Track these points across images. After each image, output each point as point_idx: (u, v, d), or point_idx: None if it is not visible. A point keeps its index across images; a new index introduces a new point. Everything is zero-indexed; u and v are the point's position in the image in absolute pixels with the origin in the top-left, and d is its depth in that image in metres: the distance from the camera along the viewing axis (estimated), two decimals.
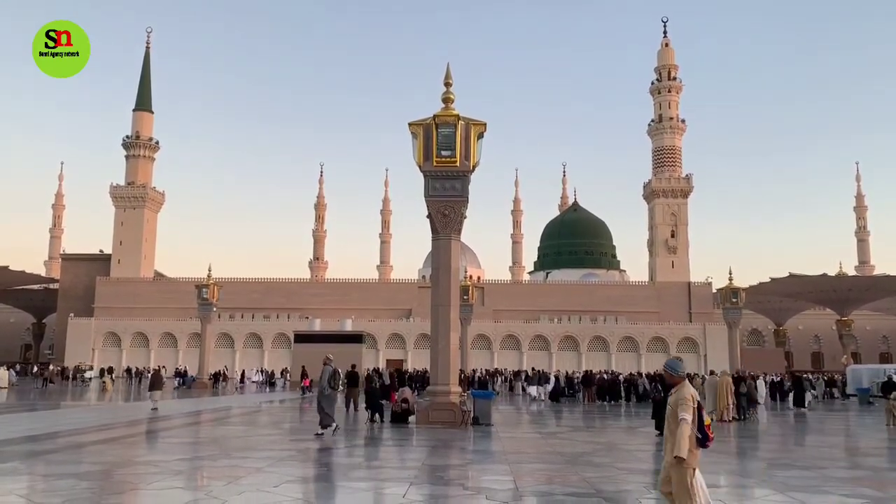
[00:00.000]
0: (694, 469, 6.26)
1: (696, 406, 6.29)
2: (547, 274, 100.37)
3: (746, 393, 26.07)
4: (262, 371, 63.66)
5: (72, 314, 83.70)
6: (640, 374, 40.23)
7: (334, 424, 17.64)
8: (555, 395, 38.17)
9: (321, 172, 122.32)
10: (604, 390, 36.07)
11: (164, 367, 45.55)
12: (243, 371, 67.31)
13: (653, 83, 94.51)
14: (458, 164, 20.48)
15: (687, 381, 6.62)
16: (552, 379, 40.47)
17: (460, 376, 47.37)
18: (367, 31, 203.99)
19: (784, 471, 12.48)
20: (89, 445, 15.87)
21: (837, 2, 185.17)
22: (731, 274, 47.53)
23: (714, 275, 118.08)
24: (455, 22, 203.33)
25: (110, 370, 61.65)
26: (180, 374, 56.54)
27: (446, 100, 21.38)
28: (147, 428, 20.38)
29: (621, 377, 40.16)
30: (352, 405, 26.20)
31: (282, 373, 60.30)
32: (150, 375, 33.38)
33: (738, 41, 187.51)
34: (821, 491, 10.33)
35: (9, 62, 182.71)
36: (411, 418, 20.86)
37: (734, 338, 47.08)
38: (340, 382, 21.21)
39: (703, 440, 6.30)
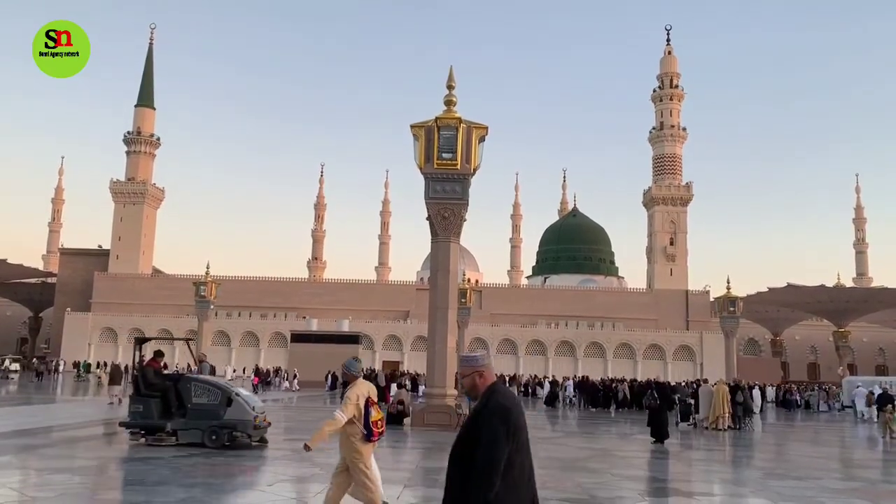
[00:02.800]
0: (370, 459, 6.68)
1: (364, 403, 6.61)
2: (545, 279, 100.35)
3: (743, 402, 26.04)
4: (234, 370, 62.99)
5: (69, 309, 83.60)
6: (622, 381, 39.97)
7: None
8: (550, 401, 38.19)
9: (321, 172, 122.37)
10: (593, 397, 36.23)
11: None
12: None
13: (655, 90, 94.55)
14: (458, 166, 20.47)
15: (361, 379, 6.96)
16: (546, 384, 40.53)
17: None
18: (370, 32, 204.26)
19: (779, 480, 12.48)
20: (85, 440, 15.85)
21: (840, 13, 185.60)
22: (728, 283, 47.56)
23: (712, 283, 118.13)
24: (459, 25, 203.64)
25: (87, 366, 61.86)
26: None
27: (448, 102, 21.38)
28: None
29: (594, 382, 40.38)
30: None
31: (276, 372, 60.22)
32: (109, 370, 33.17)
33: (740, 51, 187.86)
34: (815, 501, 10.33)
35: (9, 60, 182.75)
36: (406, 420, 20.85)
37: (731, 347, 47.08)
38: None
39: (368, 435, 6.61)
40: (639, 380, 45.14)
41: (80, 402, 30.80)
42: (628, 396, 35.67)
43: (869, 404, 38.31)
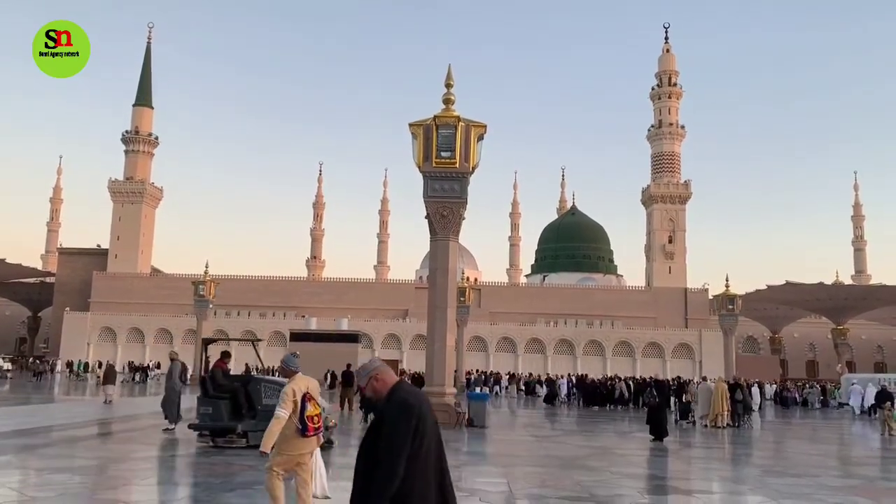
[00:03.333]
0: (309, 455, 6.89)
1: (302, 398, 6.72)
2: (544, 277, 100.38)
3: (742, 400, 26.09)
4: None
5: (67, 308, 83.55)
6: (618, 379, 39.94)
7: (174, 425, 17.03)
8: (549, 399, 38.25)
9: (320, 171, 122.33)
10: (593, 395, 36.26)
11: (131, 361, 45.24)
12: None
13: (653, 88, 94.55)
14: (457, 165, 20.47)
15: (300, 374, 7.07)
16: (563, 384, 40.73)
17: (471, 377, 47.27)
18: (368, 30, 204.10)
19: (777, 478, 12.50)
20: (86, 440, 15.85)
21: (838, 10, 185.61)
22: (727, 281, 47.49)
23: (711, 281, 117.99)
24: (457, 24, 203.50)
25: (86, 366, 62.04)
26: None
27: (447, 101, 21.38)
28: (140, 424, 20.33)
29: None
30: (346, 405, 26.19)
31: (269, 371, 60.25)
32: (103, 369, 33.26)
33: (738, 49, 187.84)
34: (814, 499, 10.34)
35: (8, 60, 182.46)
36: None
37: (730, 344, 47.03)
38: (188, 378, 20.72)
39: (303, 430, 6.72)
40: (638, 378, 45.12)
41: (79, 401, 30.80)
42: (625, 394, 35.67)
43: (862, 401, 38.57)
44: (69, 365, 65.34)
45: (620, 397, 35.49)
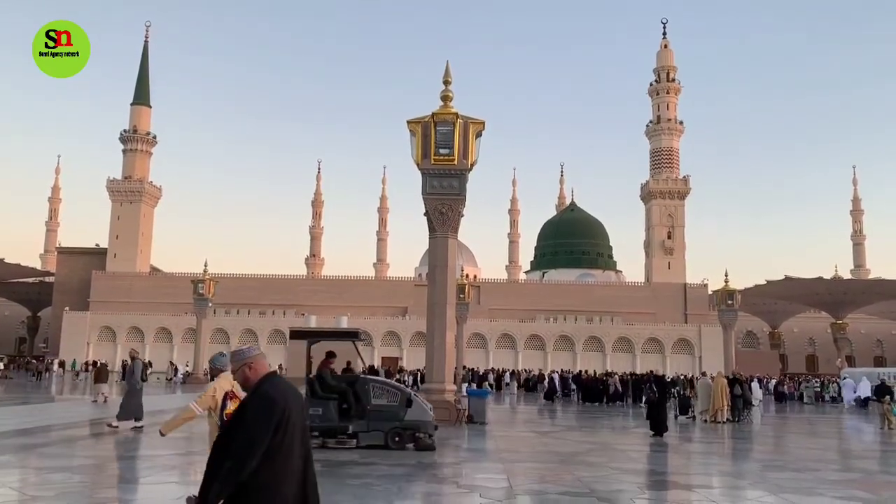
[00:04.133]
0: None
1: (223, 397, 7.00)
2: (543, 273, 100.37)
3: (741, 395, 26.12)
4: None
5: (67, 308, 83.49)
6: (612, 374, 39.99)
7: (140, 423, 16.97)
8: (549, 395, 38.30)
9: (319, 169, 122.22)
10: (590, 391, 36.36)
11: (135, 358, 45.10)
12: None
13: (651, 84, 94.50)
14: (456, 162, 20.47)
15: (226, 373, 7.17)
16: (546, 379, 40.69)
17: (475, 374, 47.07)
18: (366, 28, 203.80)
19: (777, 472, 12.51)
20: (83, 439, 15.86)
21: (837, 5, 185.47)
22: (726, 276, 47.55)
23: (710, 276, 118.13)
24: (454, 20, 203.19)
25: (86, 365, 62.14)
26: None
27: (445, 98, 21.36)
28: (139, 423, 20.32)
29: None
30: None
31: (278, 369, 60.34)
32: (94, 369, 33.35)
33: (736, 44, 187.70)
34: (814, 493, 10.36)
35: (8, 59, 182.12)
36: None
37: (729, 340, 47.10)
38: (147, 375, 20.55)
39: (223, 426, 6.62)
40: (628, 373, 45.16)
41: (79, 400, 30.80)
42: (619, 389, 35.84)
43: (857, 399, 38.78)
44: (62, 365, 65.50)
45: (615, 393, 35.60)
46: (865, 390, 38.59)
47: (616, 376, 38.75)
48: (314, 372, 14.57)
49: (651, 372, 43.21)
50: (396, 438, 13.38)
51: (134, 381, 17.48)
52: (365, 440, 13.39)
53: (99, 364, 30.77)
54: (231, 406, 6.97)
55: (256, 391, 3.87)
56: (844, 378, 40.89)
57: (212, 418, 7.03)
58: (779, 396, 44.18)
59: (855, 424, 27.65)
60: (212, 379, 7.49)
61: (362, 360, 17.43)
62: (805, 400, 43.83)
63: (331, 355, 14.86)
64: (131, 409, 16.94)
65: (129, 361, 18.46)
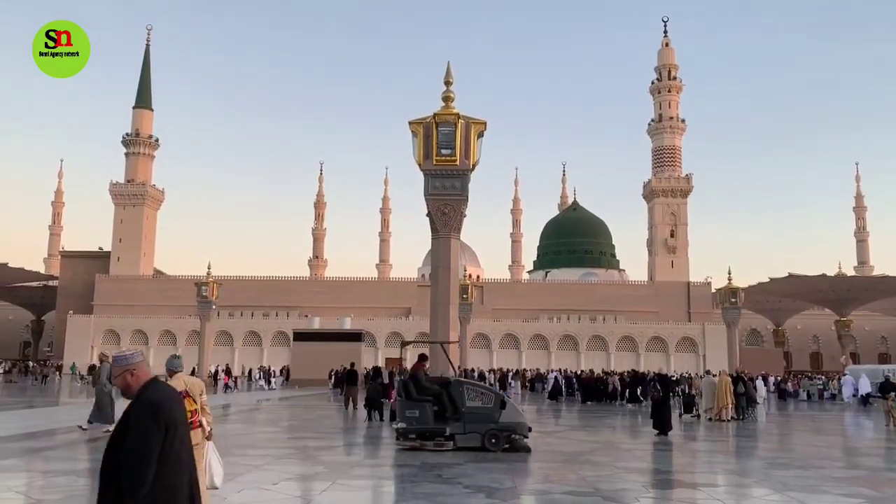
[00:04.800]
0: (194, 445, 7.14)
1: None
2: (546, 273, 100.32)
3: (745, 392, 26.08)
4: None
5: (71, 311, 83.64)
6: (611, 374, 39.88)
7: (111, 426, 16.69)
8: (553, 395, 38.26)
9: (321, 171, 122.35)
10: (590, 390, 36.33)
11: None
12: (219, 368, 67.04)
13: (653, 83, 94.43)
14: (457, 162, 20.45)
15: (181, 374, 7.81)
16: (549, 379, 40.65)
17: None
18: (367, 29, 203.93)
19: (782, 470, 12.50)
20: (88, 442, 15.89)
21: (838, 1, 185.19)
22: (730, 274, 47.45)
23: (713, 275, 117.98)
24: (456, 20, 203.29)
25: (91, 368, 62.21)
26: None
27: (446, 98, 21.35)
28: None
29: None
30: (350, 404, 26.24)
31: (281, 371, 60.41)
32: (95, 371, 33.25)
33: (738, 41, 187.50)
34: (819, 490, 10.35)
35: (9, 61, 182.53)
36: None
37: (733, 338, 47.01)
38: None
39: None
40: (627, 372, 45.08)
41: (84, 403, 30.85)
42: (618, 388, 35.85)
43: (855, 393, 38.76)
44: (58, 368, 65.80)
45: (613, 392, 35.63)
46: (865, 387, 38.58)
47: (615, 376, 38.71)
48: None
49: (649, 371, 43.20)
50: (493, 440, 13.47)
51: (101, 384, 17.44)
52: (461, 442, 13.48)
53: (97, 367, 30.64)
54: (186, 405, 7.09)
55: (140, 397, 3.80)
56: (844, 375, 40.84)
57: None
58: (782, 394, 44.14)
59: (859, 421, 27.59)
60: (167, 380, 7.70)
61: (452, 364, 17.59)
62: (801, 397, 43.80)
63: (423, 358, 15.06)
64: (109, 413, 16.86)
65: (98, 364, 18.37)
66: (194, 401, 7.58)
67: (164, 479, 3.60)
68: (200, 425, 7.55)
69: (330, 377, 45.46)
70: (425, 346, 15.88)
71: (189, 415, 7.14)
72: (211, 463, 7.53)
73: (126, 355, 4.03)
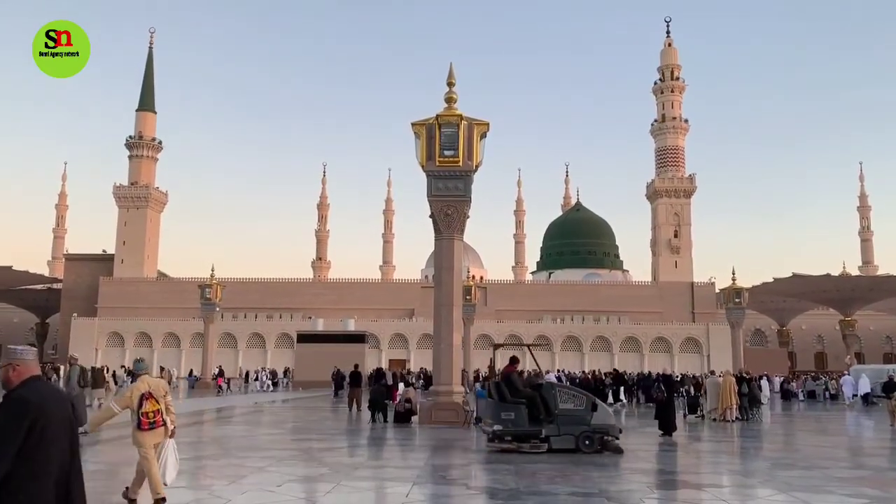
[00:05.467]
0: (152, 447, 8.06)
1: (140, 398, 8.01)
2: (550, 274, 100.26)
3: (749, 393, 26.03)
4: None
5: (75, 314, 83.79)
6: (607, 374, 39.60)
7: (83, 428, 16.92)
8: None
9: (324, 172, 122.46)
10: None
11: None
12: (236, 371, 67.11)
13: (656, 83, 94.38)
14: (460, 163, 20.48)
15: (145, 376, 8.31)
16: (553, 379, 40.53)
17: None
18: (369, 31, 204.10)
19: (787, 471, 12.48)
20: (93, 445, 15.91)
21: (842, 1, 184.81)
22: (734, 274, 47.45)
23: (717, 275, 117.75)
24: (458, 21, 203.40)
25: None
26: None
27: (449, 99, 21.38)
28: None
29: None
30: (354, 405, 26.25)
31: (284, 372, 60.45)
32: (90, 374, 33.20)
33: (741, 41, 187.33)
34: (823, 490, 10.33)
35: (10, 62, 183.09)
36: (414, 418, 20.88)
37: (737, 338, 47.00)
38: (87, 380, 20.31)
39: (138, 424, 8.03)
40: (645, 373, 44.88)
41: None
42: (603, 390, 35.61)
43: (855, 393, 38.65)
44: (56, 370, 65.74)
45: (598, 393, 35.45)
46: (864, 387, 38.52)
47: (609, 376, 38.44)
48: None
49: (650, 373, 43.03)
50: (587, 442, 13.65)
51: (69, 387, 17.39)
52: (556, 444, 13.63)
53: (93, 369, 30.71)
54: (147, 406, 8.02)
55: (10, 394, 3.82)
56: (844, 374, 40.74)
57: (133, 416, 8.06)
58: (785, 394, 44.01)
59: (863, 421, 27.51)
60: (133, 381, 8.35)
61: (539, 366, 17.75)
62: (801, 397, 43.68)
63: (514, 360, 15.21)
64: (79, 414, 16.82)
65: (68, 367, 18.30)
66: (157, 401, 8.15)
67: (27, 475, 3.61)
68: (164, 424, 8.15)
69: (333, 378, 45.26)
70: (515, 349, 16.13)
71: (152, 414, 8.06)
72: (167, 459, 8.15)
73: (16, 350, 4.04)
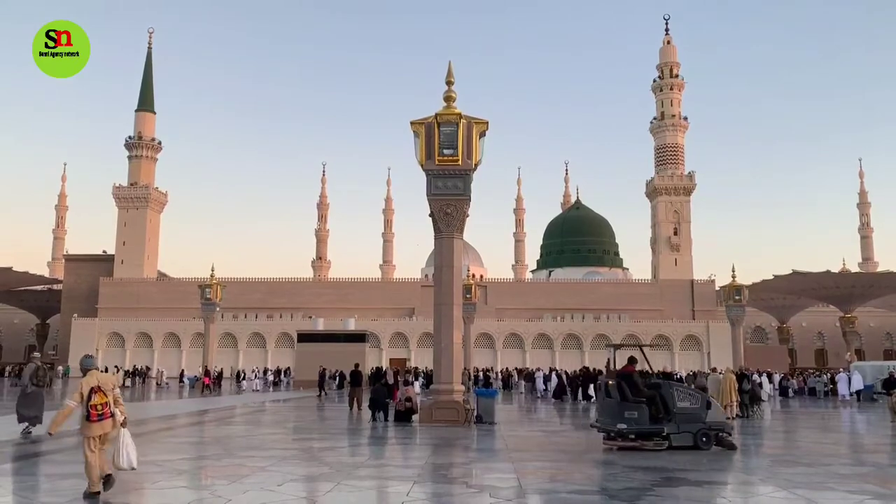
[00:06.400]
0: (93, 437, 8.56)
1: (89, 391, 8.57)
2: (549, 272, 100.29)
3: (750, 390, 26.03)
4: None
5: (75, 315, 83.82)
6: (599, 372, 39.53)
7: (26, 425, 16.52)
8: (557, 394, 38.19)
9: (323, 172, 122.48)
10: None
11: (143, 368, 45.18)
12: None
13: (654, 81, 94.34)
14: (460, 162, 20.47)
15: (93, 371, 8.85)
16: (553, 378, 40.52)
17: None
18: (369, 30, 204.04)
19: (788, 468, 12.46)
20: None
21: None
22: (733, 271, 47.45)
23: (717, 272, 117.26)
24: (458, 19, 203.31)
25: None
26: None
27: (448, 98, 21.36)
28: (149, 428, 20.41)
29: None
30: (355, 404, 26.25)
31: (285, 372, 60.48)
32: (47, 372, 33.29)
33: (740, 38, 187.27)
34: (825, 487, 10.31)
35: (10, 63, 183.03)
36: (414, 417, 20.88)
37: (737, 335, 47.00)
38: (47, 379, 20.23)
39: (87, 416, 8.57)
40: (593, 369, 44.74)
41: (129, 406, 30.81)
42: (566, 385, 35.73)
43: (849, 387, 38.68)
44: (51, 369, 66.08)
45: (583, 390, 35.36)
46: (857, 384, 38.62)
47: (601, 373, 38.38)
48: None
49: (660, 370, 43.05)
50: (704, 439, 14.12)
51: (23, 384, 17.39)
52: (676, 441, 14.09)
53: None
54: (95, 399, 8.59)
55: None
56: (840, 371, 40.83)
57: (81, 409, 8.64)
58: (783, 391, 44.04)
59: (864, 418, 27.51)
60: (83, 376, 8.89)
61: (650, 366, 18.00)
62: (790, 395, 43.70)
63: (632, 360, 15.60)
64: (22, 413, 16.76)
65: (35, 365, 18.15)
66: (105, 394, 8.73)
67: None
68: (113, 416, 8.74)
69: (334, 378, 45.27)
70: (631, 349, 16.51)
71: (100, 407, 8.65)
72: (127, 447, 8.77)
73: None
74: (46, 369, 18.51)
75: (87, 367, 9.00)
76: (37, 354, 18.99)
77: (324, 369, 42.77)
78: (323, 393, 39.43)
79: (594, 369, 40.86)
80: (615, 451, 14.00)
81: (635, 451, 13.79)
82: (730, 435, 14.76)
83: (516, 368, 60.77)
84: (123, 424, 8.83)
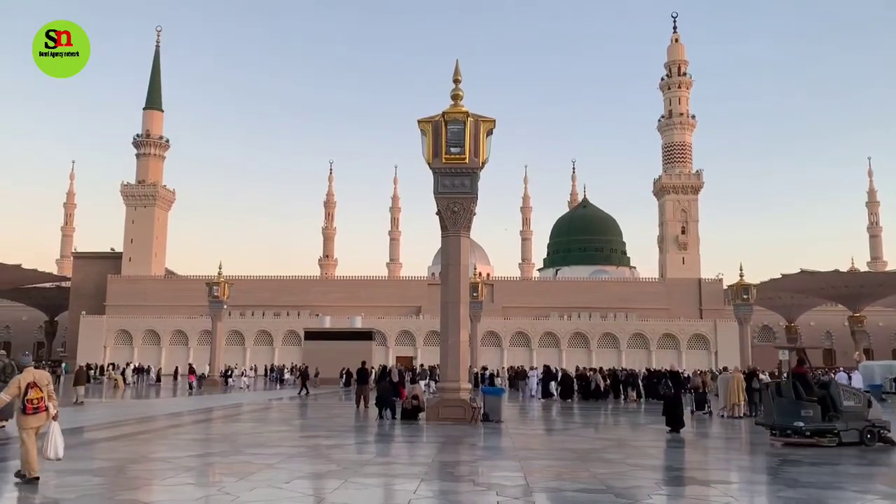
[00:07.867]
0: (33, 429, 9.28)
1: (26, 386, 9.22)
2: (556, 270, 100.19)
3: (758, 389, 25.93)
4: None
5: (84, 312, 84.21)
6: (594, 371, 39.26)
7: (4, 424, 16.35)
8: (564, 393, 38.04)
9: (331, 170, 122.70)
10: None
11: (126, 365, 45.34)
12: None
13: (662, 79, 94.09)
14: (467, 160, 20.45)
15: (29, 368, 9.56)
16: (558, 377, 40.44)
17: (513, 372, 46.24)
18: (376, 29, 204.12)
19: (796, 467, 12.42)
20: (102, 442, 15.99)
21: None
22: (741, 270, 47.31)
23: (725, 271, 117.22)
24: (465, 18, 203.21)
25: (102, 369, 62.53)
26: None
27: (455, 97, 21.35)
28: (158, 425, 20.49)
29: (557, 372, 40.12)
30: (362, 401, 26.28)
31: (291, 370, 60.60)
32: (75, 371, 33.85)
33: (748, 36, 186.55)
34: (833, 486, 10.28)
35: (19, 61, 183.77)
36: (421, 415, 20.88)
37: (745, 334, 46.83)
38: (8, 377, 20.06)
39: (23, 409, 9.28)
40: (651, 369, 44.65)
41: (97, 403, 31.03)
42: (601, 387, 35.26)
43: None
44: (54, 370, 66.60)
45: (597, 390, 35.01)
46: (858, 384, 38.43)
47: (598, 373, 38.05)
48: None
49: (642, 369, 42.92)
50: (869, 436, 14.94)
51: None
52: (845, 438, 14.84)
53: (77, 368, 31.47)
54: (31, 393, 9.23)
55: None
56: (839, 370, 40.59)
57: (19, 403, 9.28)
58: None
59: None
60: (20, 373, 9.60)
61: (809, 363, 18.35)
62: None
63: (802, 361, 16.30)
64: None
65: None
66: (41, 389, 9.37)
67: None
68: (46, 409, 9.37)
69: (341, 376, 45.23)
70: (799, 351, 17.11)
71: (36, 401, 9.30)
72: (55, 438, 9.38)
73: None
74: (13, 366, 18.26)
75: (23, 364, 9.74)
76: (2, 352, 18.77)
77: (306, 367, 43.09)
78: (304, 391, 37.26)
79: (636, 370, 41.60)
80: (781, 446, 14.86)
81: (812, 447, 14.42)
82: (889, 431, 15.39)
83: (510, 367, 60.44)
84: (55, 418, 9.45)
